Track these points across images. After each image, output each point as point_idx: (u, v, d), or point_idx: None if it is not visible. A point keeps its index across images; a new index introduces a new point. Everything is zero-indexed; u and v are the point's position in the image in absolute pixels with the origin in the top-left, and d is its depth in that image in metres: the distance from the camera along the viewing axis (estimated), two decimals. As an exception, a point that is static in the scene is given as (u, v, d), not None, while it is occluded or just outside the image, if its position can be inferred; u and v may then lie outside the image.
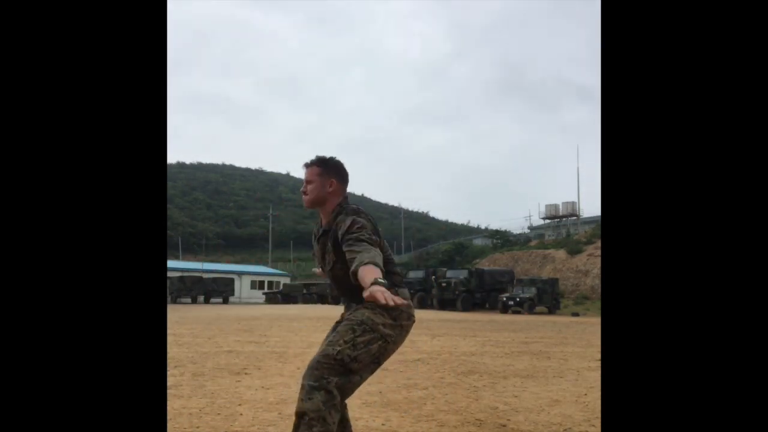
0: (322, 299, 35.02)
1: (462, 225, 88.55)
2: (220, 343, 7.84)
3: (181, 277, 33.87)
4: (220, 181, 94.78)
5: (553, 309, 25.03)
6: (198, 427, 3.07)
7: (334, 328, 2.24)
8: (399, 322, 2.12)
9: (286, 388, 4.29)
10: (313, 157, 2.32)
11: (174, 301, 31.94)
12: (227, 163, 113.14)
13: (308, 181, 2.28)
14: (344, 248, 2.06)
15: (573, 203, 46.81)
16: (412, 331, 2.28)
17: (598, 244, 31.49)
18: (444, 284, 25.72)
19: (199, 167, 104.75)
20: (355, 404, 3.71)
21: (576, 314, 23.86)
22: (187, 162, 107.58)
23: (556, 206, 47.69)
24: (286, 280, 46.27)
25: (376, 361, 2.10)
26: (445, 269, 29.80)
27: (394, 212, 77.52)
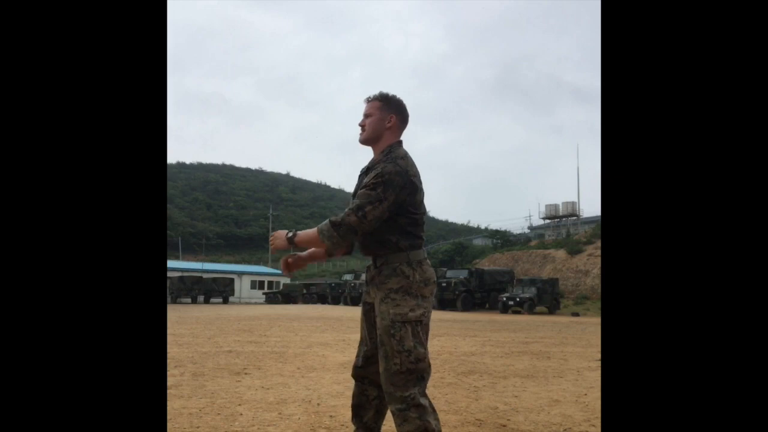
0: (322, 299, 35.02)
1: (462, 225, 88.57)
2: (220, 343, 7.84)
3: (181, 277, 33.86)
4: (220, 181, 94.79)
5: (553, 309, 25.02)
6: (198, 427, 3.06)
7: (366, 311, 2.25)
8: (421, 294, 2.11)
9: (286, 388, 4.29)
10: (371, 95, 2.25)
11: (174, 301, 31.94)
12: (227, 163, 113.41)
13: (367, 115, 2.22)
14: (357, 196, 2.07)
15: (573, 203, 46.82)
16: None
17: (598, 244, 31.50)
18: (444, 284, 25.71)
19: (199, 167, 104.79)
20: (355, 404, 3.72)
21: (576, 314, 23.86)
22: (187, 162, 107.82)
23: (556, 206, 47.70)
24: (286, 280, 46.26)
25: (426, 341, 2.12)
26: (445, 269, 29.78)
27: (394, 212, 77.10)
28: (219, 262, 55.93)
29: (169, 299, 31.68)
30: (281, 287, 40.70)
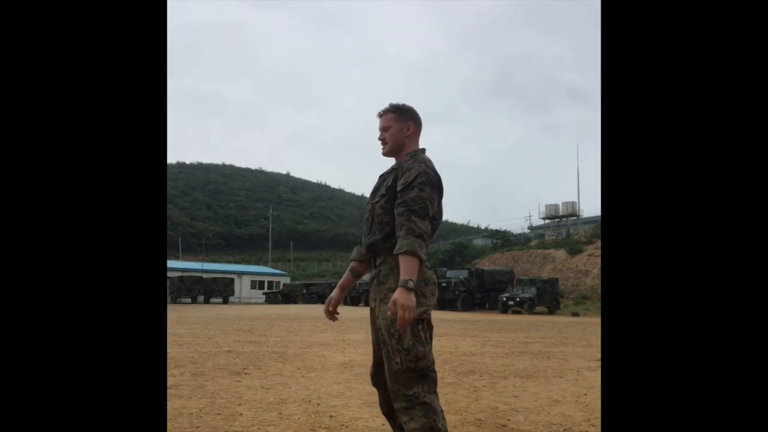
0: (322, 299, 35.02)
1: (462, 225, 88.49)
2: (220, 343, 7.84)
3: (181, 277, 33.87)
4: (220, 181, 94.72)
5: (553, 309, 25.01)
6: (198, 427, 3.07)
7: (372, 318, 2.23)
8: (421, 293, 2.10)
9: (286, 388, 4.29)
10: (385, 106, 2.27)
11: (174, 301, 31.94)
12: (227, 163, 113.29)
13: (384, 128, 2.25)
14: (397, 208, 2.05)
15: (573, 203, 46.82)
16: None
17: (598, 244, 31.49)
18: (444, 284, 25.70)
19: (199, 167, 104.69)
20: (355, 404, 3.72)
21: (576, 314, 23.85)
22: (187, 162, 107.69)
23: (556, 206, 47.70)
24: (286, 280, 46.27)
25: (431, 339, 2.13)
26: (445, 269, 29.78)
27: (394, 212, 77.10)
28: (219, 262, 55.92)
29: (169, 299, 31.68)
30: (281, 287, 40.70)
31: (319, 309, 23.08)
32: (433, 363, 2.10)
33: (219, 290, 34.79)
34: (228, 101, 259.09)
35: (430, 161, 2.20)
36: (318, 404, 3.71)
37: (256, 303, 37.60)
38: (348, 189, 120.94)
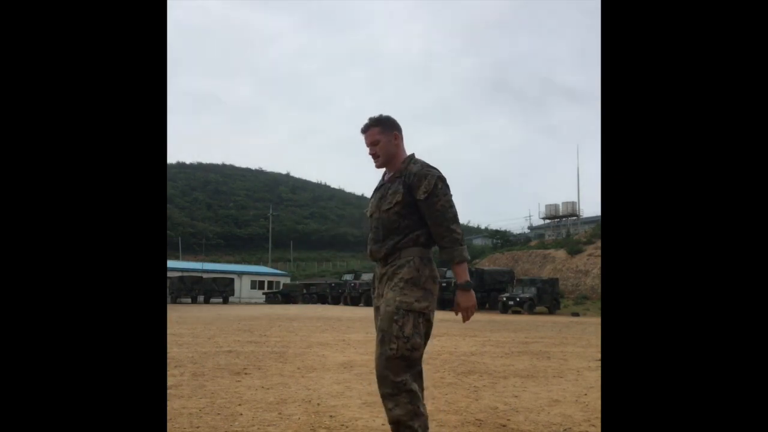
0: (321, 299, 35.03)
1: (462, 225, 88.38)
2: (220, 343, 7.84)
3: (181, 277, 33.88)
4: (220, 181, 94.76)
5: (553, 309, 25.02)
6: (198, 427, 3.07)
7: (378, 307, 2.28)
8: (428, 288, 2.21)
9: (286, 388, 4.29)
10: (366, 121, 2.34)
11: (174, 301, 31.95)
12: (227, 163, 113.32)
13: (373, 143, 2.31)
14: (431, 218, 2.18)
15: (573, 203, 46.83)
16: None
17: (598, 244, 31.49)
18: (444, 284, 25.69)
19: (199, 167, 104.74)
20: (355, 404, 3.72)
21: (576, 314, 23.85)
22: (187, 162, 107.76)
23: (556, 206, 47.72)
24: (286, 280, 46.30)
25: (427, 336, 2.22)
26: (445, 269, 29.77)
27: (394, 212, 77.12)
28: (219, 262, 55.92)
29: (169, 299, 31.70)
30: (281, 287, 40.70)
31: (319, 309, 23.07)
32: (421, 357, 2.18)
33: (219, 290, 34.79)
34: (228, 101, 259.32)
35: (427, 164, 2.29)
36: (318, 404, 3.71)
37: (256, 303, 37.60)
38: (348, 189, 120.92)
